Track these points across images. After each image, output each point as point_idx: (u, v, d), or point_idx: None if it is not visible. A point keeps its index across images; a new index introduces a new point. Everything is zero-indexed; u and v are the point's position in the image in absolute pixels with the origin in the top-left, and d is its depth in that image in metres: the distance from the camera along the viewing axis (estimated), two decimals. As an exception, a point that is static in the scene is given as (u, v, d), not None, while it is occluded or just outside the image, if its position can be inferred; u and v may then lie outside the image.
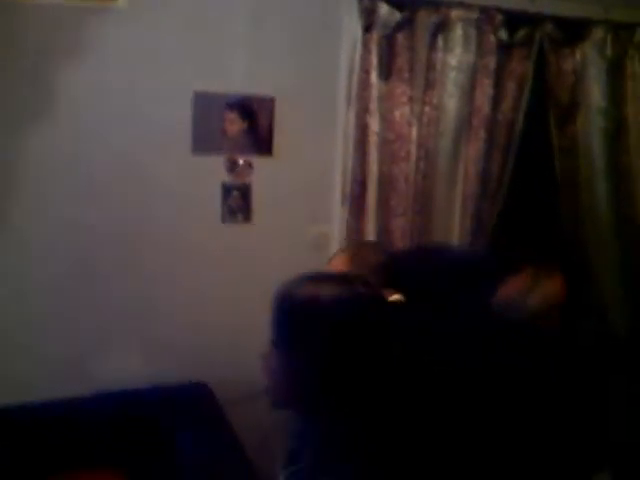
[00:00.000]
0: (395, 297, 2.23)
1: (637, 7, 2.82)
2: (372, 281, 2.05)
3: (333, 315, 1.47)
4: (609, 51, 2.79)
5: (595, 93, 2.79)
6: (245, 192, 2.73)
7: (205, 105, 2.68)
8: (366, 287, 1.61)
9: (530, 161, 2.82)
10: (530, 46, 2.78)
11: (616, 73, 2.80)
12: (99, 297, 2.57)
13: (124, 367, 2.57)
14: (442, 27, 2.73)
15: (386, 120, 2.72)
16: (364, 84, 2.71)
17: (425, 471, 1.62)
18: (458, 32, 2.73)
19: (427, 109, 2.74)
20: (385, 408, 1.53)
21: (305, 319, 1.49)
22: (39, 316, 2.52)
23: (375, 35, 2.68)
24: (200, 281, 2.67)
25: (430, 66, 2.73)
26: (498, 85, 2.75)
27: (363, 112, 2.72)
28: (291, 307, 1.51)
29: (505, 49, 2.76)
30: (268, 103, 2.74)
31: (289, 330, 1.51)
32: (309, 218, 2.78)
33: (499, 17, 2.74)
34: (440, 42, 2.73)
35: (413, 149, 2.73)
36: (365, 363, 1.48)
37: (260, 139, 2.75)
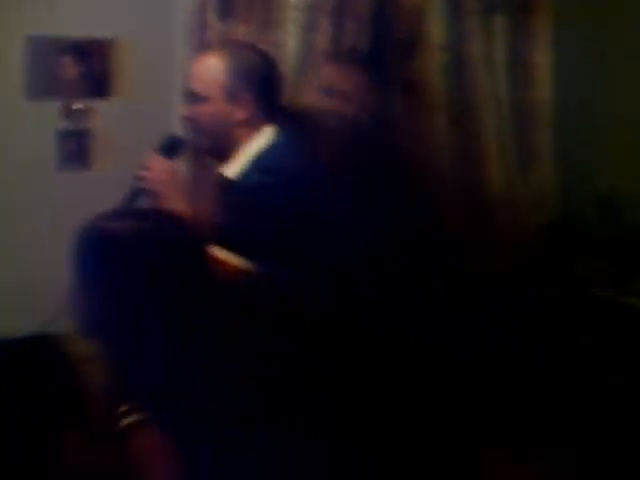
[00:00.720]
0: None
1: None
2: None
3: (126, 251, 1.47)
4: (450, -13, 2.80)
5: (436, 29, 2.78)
6: (83, 138, 2.67)
7: (39, 49, 2.61)
8: (172, 223, 1.60)
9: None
10: (369, -17, 2.75)
11: (456, 9, 2.80)
12: None
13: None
14: (279, -36, 2.69)
15: (226, 61, 2.68)
16: (202, 24, 2.65)
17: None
18: (296, -31, 2.69)
19: (267, 49, 2.70)
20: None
21: (97, 254, 1.50)
22: None
23: (212, -28, 2.63)
24: (36, 231, 2.61)
25: (269, 5, 2.69)
26: (338, 23, 2.72)
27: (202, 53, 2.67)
28: (86, 243, 1.51)
29: (344, -14, 2.73)
30: (105, 46, 2.68)
31: (86, 266, 1.52)
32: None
33: (336, -48, 2.70)
34: (277, -22, 2.69)
35: (253, 90, 2.69)
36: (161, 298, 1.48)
37: (98, 83, 2.70)
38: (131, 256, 1.45)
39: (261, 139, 1.95)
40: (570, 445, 2.49)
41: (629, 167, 2.94)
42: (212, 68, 1.93)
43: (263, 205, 1.80)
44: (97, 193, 2.65)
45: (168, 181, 1.92)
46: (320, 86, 2.37)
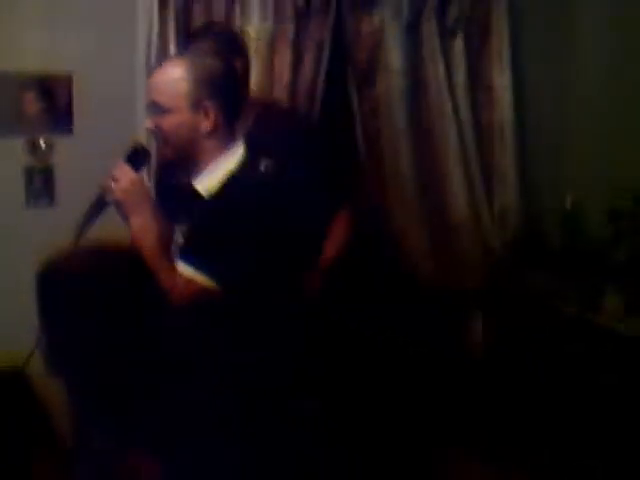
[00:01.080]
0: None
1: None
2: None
3: (79, 288, 1.52)
4: (405, 14, 2.84)
5: (394, 55, 2.83)
6: (48, 174, 2.68)
7: (1, 86, 2.61)
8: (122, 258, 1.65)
9: (333, 126, 2.85)
10: (328, 12, 2.79)
11: (413, 35, 2.85)
12: None
13: None
14: (238, -5, 2.71)
15: (187, 92, 2.69)
16: (163, 56, 2.67)
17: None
18: (254, -1, 2.72)
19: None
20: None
21: (52, 294, 1.55)
22: None
23: (171, 6, 2.65)
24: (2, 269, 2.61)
25: (229, 36, 2.71)
26: (298, 52, 2.76)
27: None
28: (42, 283, 1.56)
29: (303, 16, 2.77)
30: (66, 81, 2.69)
31: (45, 305, 1.56)
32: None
33: (295, -17, 2.74)
34: (237, 10, 2.72)
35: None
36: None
37: (60, 118, 2.71)
38: (84, 293, 1.50)
39: (233, 157, 1.92)
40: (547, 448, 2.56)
41: (593, 184, 2.99)
42: (174, 77, 1.86)
43: (236, 224, 1.79)
44: (64, 228, 2.69)
45: (134, 192, 1.86)
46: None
